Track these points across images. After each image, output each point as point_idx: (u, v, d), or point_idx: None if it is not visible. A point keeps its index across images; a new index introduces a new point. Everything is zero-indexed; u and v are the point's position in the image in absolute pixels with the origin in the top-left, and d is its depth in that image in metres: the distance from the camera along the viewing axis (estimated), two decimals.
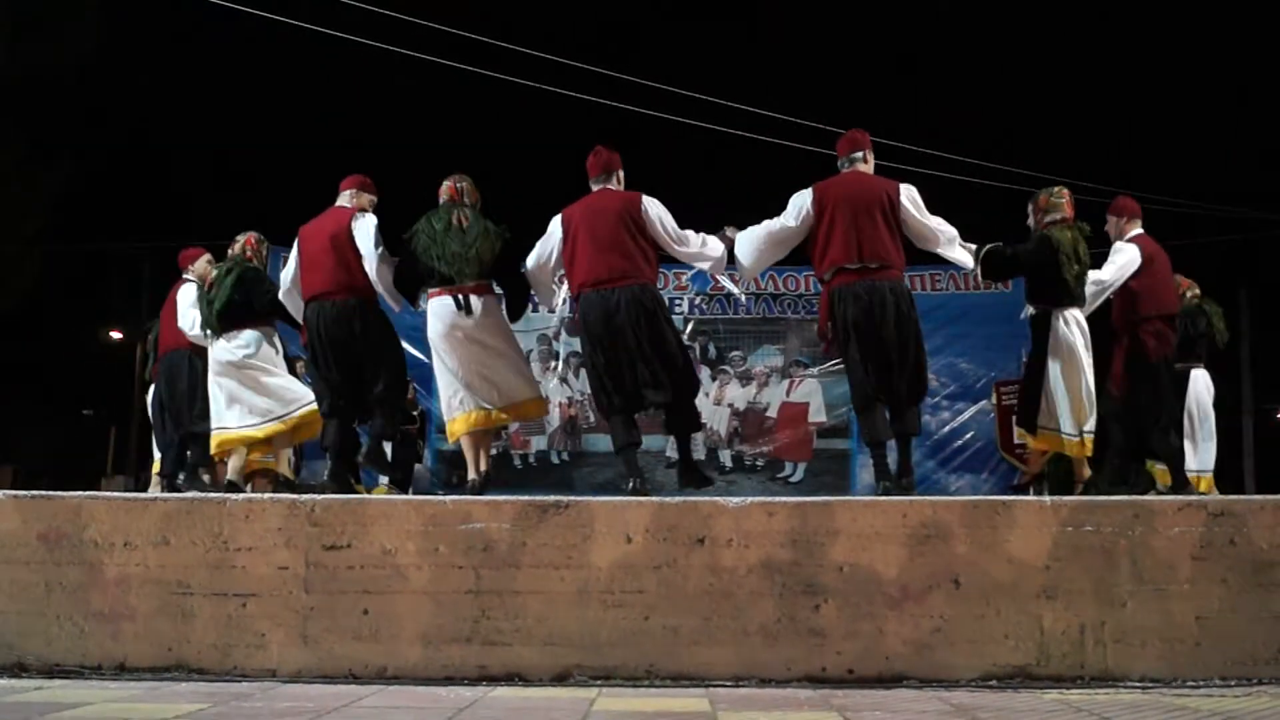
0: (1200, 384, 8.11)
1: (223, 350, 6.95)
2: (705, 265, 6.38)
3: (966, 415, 12.00)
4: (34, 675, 4.66)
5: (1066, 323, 6.20)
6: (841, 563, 4.63)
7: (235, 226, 7.39)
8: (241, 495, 5.05)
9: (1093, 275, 6.36)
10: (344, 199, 6.54)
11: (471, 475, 6.17)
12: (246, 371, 6.90)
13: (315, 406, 6.66)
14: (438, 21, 12.22)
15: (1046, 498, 4.87)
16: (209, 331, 7.03)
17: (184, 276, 7.90)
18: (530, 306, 7.15)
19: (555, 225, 6.10)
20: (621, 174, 6.21)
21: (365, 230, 6.26)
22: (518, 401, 6.25)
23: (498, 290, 6.37)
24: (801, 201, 5.92)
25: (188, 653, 4.69)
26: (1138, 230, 6.67)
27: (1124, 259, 6.46)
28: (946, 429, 12.09)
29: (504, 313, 6.36)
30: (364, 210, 6.42)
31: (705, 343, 12.64)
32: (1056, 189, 6.46)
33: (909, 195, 5.89)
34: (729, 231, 6.23)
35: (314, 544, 4.74)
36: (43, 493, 4.99)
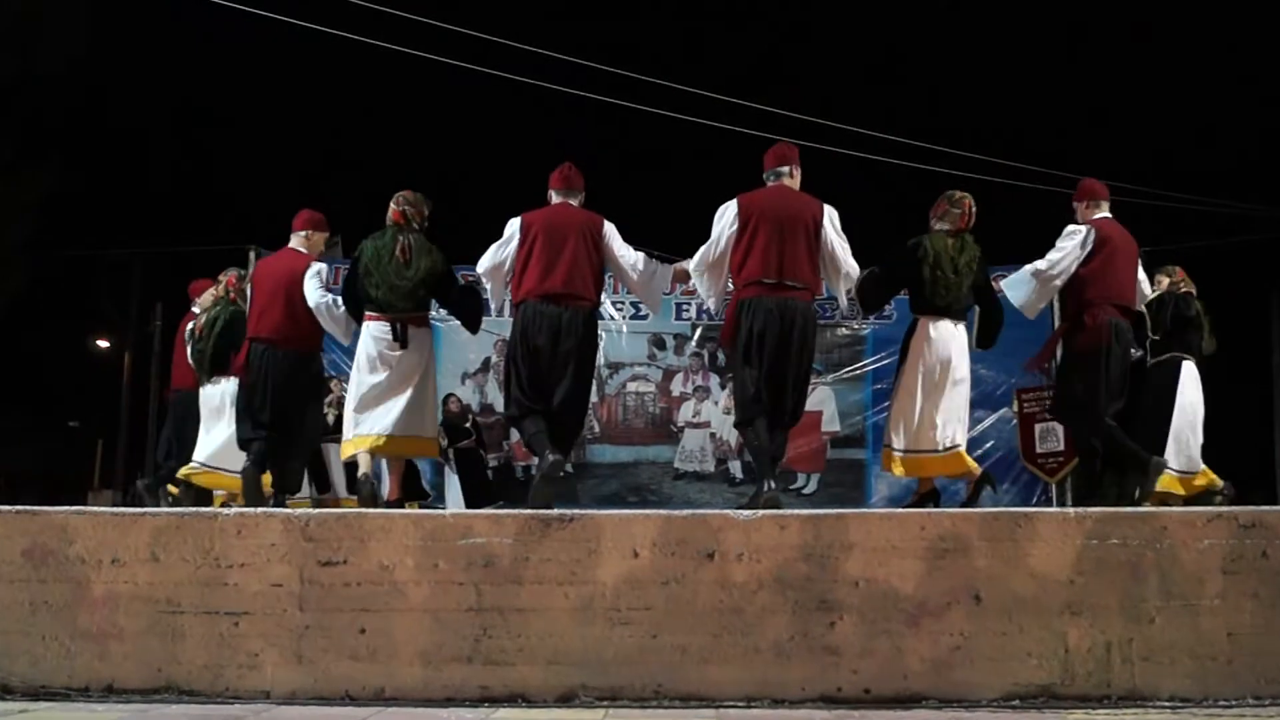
0: (1187, 376, 7.54)
1: (213, 394, 7.49)
2: (645, 299, 6.71)
3: (987, 424, 11.95)
4: (19, 697, 4.66)
5: (929, 333, 6.20)
6: (857, 577, 4.62)
7: (225, 233, 7.62)
8: (234, 510, 5.05)
9: (1031, 266, 6.35)
10: (296, 240, 6.84)
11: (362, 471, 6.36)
12: (227, 417, 7.27)
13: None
14: (433, 21, 12.23)
15: (1071, 509, 4.85)
16: (203, 378, 7.55)
17: (192, 309, 8.20)
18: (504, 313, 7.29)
19: (514, 228, 6.20)
20: (583, 196, 6.37)
21: (315, 281, 6.62)
22: (402, 437, 6.33)
23: (437, 317, 6.78)
24: (726, 216, 6.02)
25: (178, 674, 4.69)
26: (1101, 214, 6.50)
27: (1066, 243, 6.32)
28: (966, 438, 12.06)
29: (431, 346, 6.58)
30: (310, 254, 6.78)
31: (715, 349, 12.60)
32: (957, 195, 6.41)
33: (831, 218, 6.01)
34: (681, 265, 6.36)
35: (309, 560, 4.74)
36: (28, 508, 4.98)
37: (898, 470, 6.34)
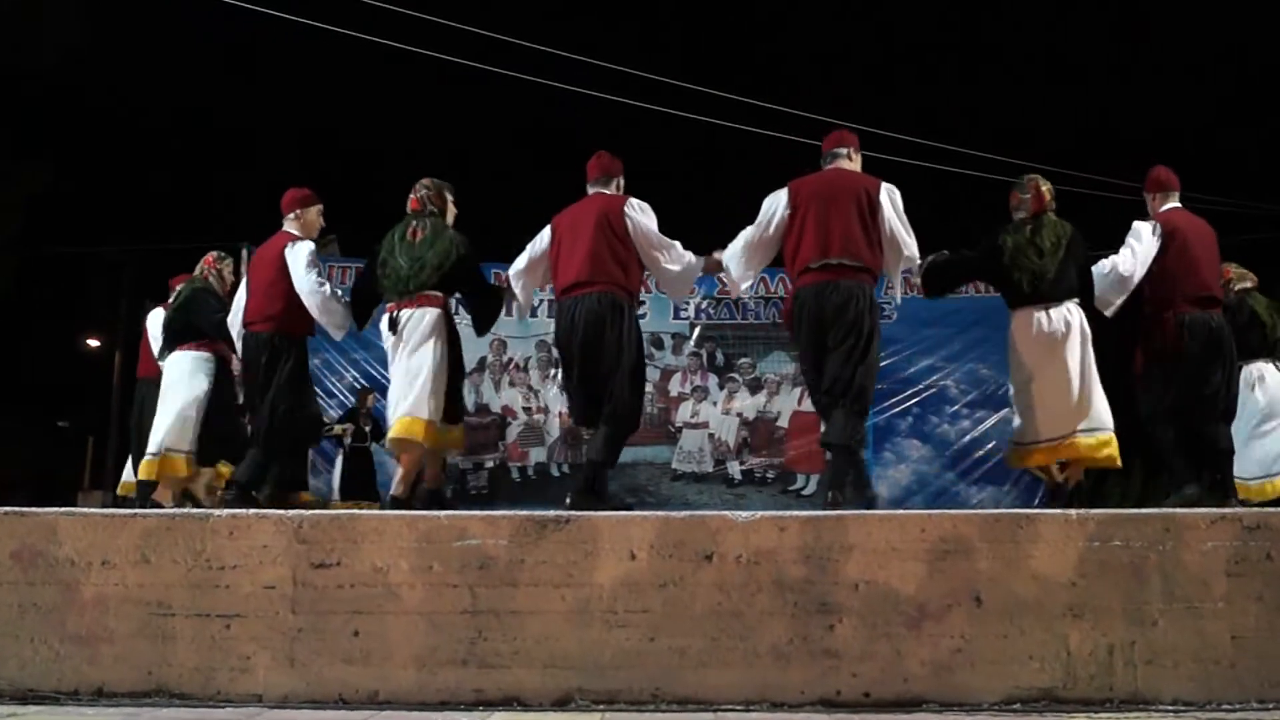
0: (1252, 380, 7.52)
1: (165, 370, 7.38)
2: (667, 285, 6.49)
3: (988, 424, 11.98)
4: (7, 701, 4.65)
5: (1026, 324, 6.11)
6: (857, 580, 4.62)
7: (220, 231, 7.62)
8: (226, 511, 5.04)
9: (1107, 263, 6.26)
10: (288, 224, 6.69)
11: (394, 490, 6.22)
12: (173, 395, 7.25)
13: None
14: (431, 17, 12.22)
15: (1073, 510, 4.85)
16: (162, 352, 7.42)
17: (168, 300, 8.06)
18: (530, 312, 7.20)
19: (546, 230, 6.21)
20: (621, 181, 6.28)
21: (297, 259, 6.39)
22: (407, 420, 6.05)
23: (455, 304, 6.50)
24: (776, 201, 5.96)
25: (169, 676, 4.68)
26: (1172, 204, 6.47)
27: (1136, 243, 6.25)
28: (967, 439, 12.07)
29: (439, 325, 6.15)
30: (305, 234, 6.60)
31: (713, 349, 12.62)
32: (1026, 180, 6.32)
33: (890, 195, 5.86)
34: (716, 255, 6.27)
35: (302, 562, 4.74)
36: (16, 509, 4.98)
37: (1032, 461, 6.24)
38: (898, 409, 12.09)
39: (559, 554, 4.68)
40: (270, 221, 6.94)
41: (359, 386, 11.84)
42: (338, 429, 11.26)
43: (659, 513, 4.90)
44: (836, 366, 5.72)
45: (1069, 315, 6.04)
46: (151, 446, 7.23)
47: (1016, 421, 6.30)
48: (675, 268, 6.16)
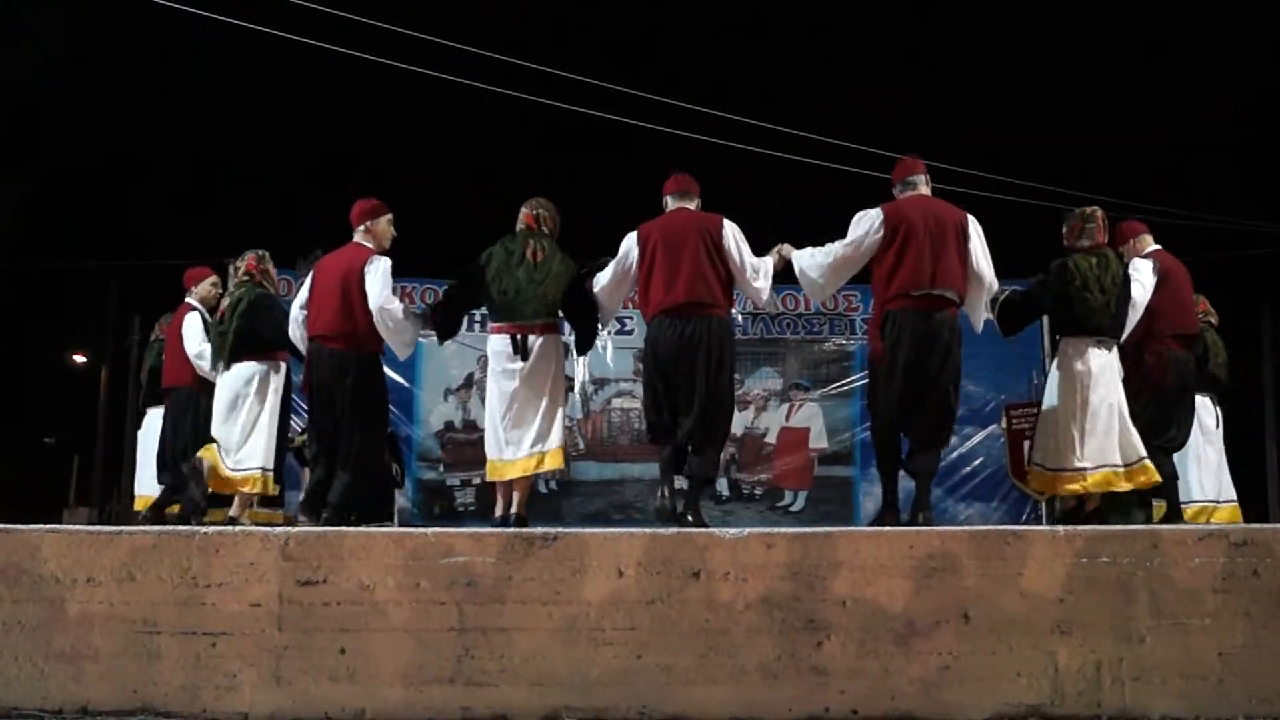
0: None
1: (227, 383, 6.84)
2: (753, 298, 6.46)
3: (975, 440, 11.97)
4: None
5: (1080, 353, 6.19)
6: (845, 597, 4.63)
7: (203, 246, 7.40)
8: (212, 528, 5.03)
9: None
10: (358, 236, 6.50)
11: (497, 513, 6.26)
12: (244, 408, 6.78)
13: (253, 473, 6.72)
14: (416, 33, 12.24)
15: (1060, 527, 4.87)
16: (220, 365, 6.91)
17: (187, 300, 7.73)
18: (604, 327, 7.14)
19: (630, 242, 6.11)
20: (699, 201, 6.25)
21: (377, 276, 6.24)
22: (536, 453, 6.17)
23: (564, 329, 6.45)
24: (870, 224, 5.92)
25: (154, 695, 4.67)
26: (1153, 246, 6.69)
27: (1144, 280, 6.43)
28: (954, 455, 12.04)
29: (560, 354, 6.34)
30: (380, 248, 6.43)
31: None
32: (1088, 210, 6.42)
33: (976, 229, 5.95)
34: (784, 250, 6.25)
35: (288, 579, 4.73)
36: (1, 525, 4.96)
37: (1062, 488, 6.27)
38: None
39: (546, 571, 4.68)
40: (253, 238, 6.84)
41: None
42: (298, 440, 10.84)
43: (647, 530, 4.91)
44: (936, 398, 5.80)
45: (1114, 349, 6.25)
46: (229, 461, 6.76)
47: (1049, 445, 6.28)
48: (764, 284, 6.18)
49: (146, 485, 8.15)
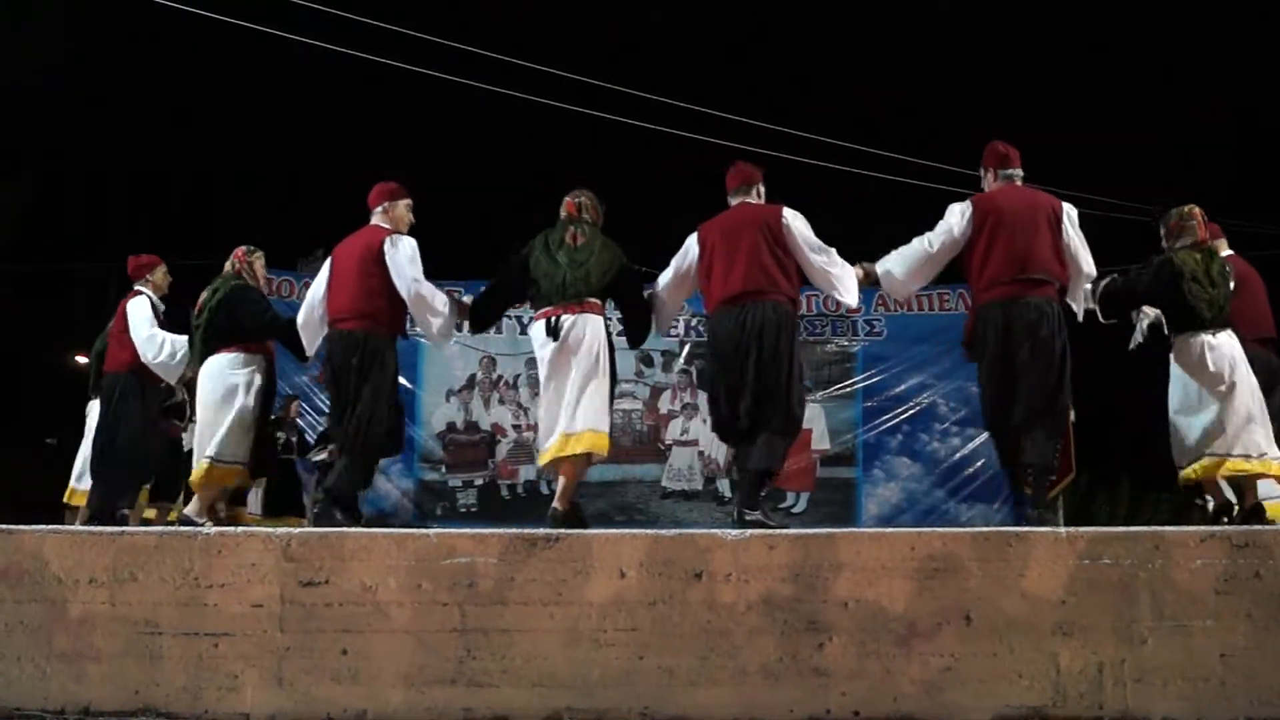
0: None
1: (207, 374, 6.65)
2: (836, 289, 6.14)
3: (977, 442, 11.96)
4: None
5: (1199, 349, 6.16)
6: (846, 598, 4.63)
7: (201, 246, 7.33)
8: (214, 529, 5.04)
9: None
10: (376, 217, 6.41)
11: (554, 505, 6.03)
12: (225, 400, 6.58)
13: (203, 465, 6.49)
14: (418, 34, 12.25)
15: (1062, 529, 4.87)
16: (194, 357, 6.77)
17: (136, 288, 7.60)
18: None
19: (692, 242, 6.11)
20: (762, 188, 6.20)
21: (404, 256, 6.14)
22: (560, 436, 5.97)
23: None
24: (962, 216, 5.93)
25: (156, 695, 4.68)
26: (1227, 251, 6.68)
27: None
28: (957, 456, 12.06)
29: (599, 335, 6.07)
30: (398, 231, 6.31)
31: (701, 366, 12.63)
32: (1186, 209, 6.39)
33: (1070, 215, 5.92)
34: (865, 266, 6.20)
35: (290, 580, 4.73)
36: (2, 526, 4.97)
37: (1228, 470, 6.14)
38: (887, 426, 12.09)
39: (548, 572, 4.69)
40: (254, 239, 6.80)
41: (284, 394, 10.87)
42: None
43: (649, 531, 4.91)
44: (1034, 380, 5.69)
45: (1232, 339, 6.18)
46: (201, 452, 6.55)
47: (1194, 437, 6.17)
48: (838, 270, 6.06)
49: (85, 480, 8.01)
